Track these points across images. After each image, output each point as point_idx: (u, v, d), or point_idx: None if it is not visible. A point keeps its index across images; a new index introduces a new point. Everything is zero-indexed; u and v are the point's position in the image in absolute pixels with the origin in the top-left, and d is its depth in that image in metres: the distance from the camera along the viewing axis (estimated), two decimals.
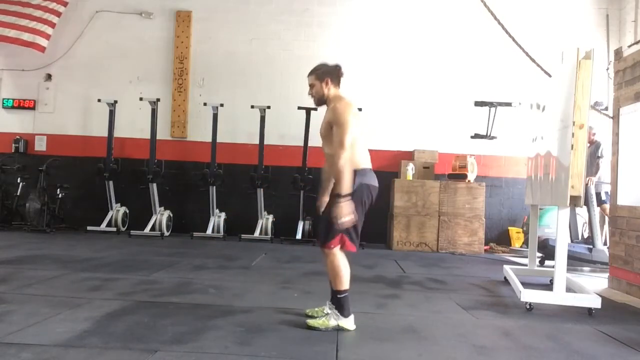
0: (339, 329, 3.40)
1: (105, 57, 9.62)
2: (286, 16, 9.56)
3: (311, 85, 3.59)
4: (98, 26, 9.66)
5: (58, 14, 9.43)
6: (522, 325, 3.84)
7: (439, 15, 9.45)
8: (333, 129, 3.41)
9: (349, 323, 3.43)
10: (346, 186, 3.27)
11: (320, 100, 3.61)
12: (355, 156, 3.40)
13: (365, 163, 3.51)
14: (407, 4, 9.51)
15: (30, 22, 9.16)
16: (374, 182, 3.53)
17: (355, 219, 3.35)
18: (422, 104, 9.41)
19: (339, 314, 3.41)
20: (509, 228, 9.35)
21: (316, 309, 3.64)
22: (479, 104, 8.65)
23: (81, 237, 8.15)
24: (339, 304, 3.41)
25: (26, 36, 9.12)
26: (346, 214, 3.25)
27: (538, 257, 6.53)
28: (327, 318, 3.43)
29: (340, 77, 3.59)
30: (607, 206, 7.08)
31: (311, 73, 3.58)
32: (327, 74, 3.53)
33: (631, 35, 8.86)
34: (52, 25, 9.36)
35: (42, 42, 9.26)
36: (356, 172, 3.39)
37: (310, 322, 3.44)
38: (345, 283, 3.43)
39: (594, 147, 7.46)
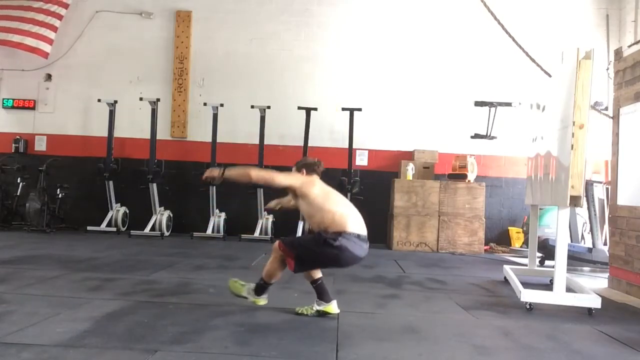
0: (322, 314, 3.67)
1: (105, 57, 9.62)
2: (286, 16, 9.56)
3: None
4: (98, 26, 9.66)
5: (60, 17, 9.45)
6: (522, 325, 3.84)
7: (439, 15, 9.45)
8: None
9: (331, 307, 3.69)
10: (234, 172, 3.91)
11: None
12: (343, 220, 3.61)
13: (354, 228, 3.63)
14: (407, 4, 9.51)
15: (33, 27, 9.19)
16: (355, 251, 3.62)
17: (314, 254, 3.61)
18: (422, 104, 9.41)
19: (321, 301, 3.70)
20: (509, 228, 9.35)
21: (305, 307, 3.77)
22: (479, 104, 8.65)
23: (81, 237, 8.15)
24: (318, 292, 3.72)
25: (29, 41, 9.15)
26: (212, 175, 3.86)
27: (538, 257, 6.52)
28: (312, 305, 3.73)
29: (317, 170, 3.93)
30: None
31: (294, 165, 4.08)
32: (305, 166, 3.95)
33: (631, 35, 8.86)
34: (54, 29, 9.39)
35: (45, 47, 9.31)
36: (343, 233, 3.55)
37: (298, 308, 3.77)
38: (315, 272, 3.75)
39: None
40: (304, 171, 3.90)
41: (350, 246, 3.56)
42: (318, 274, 3.75)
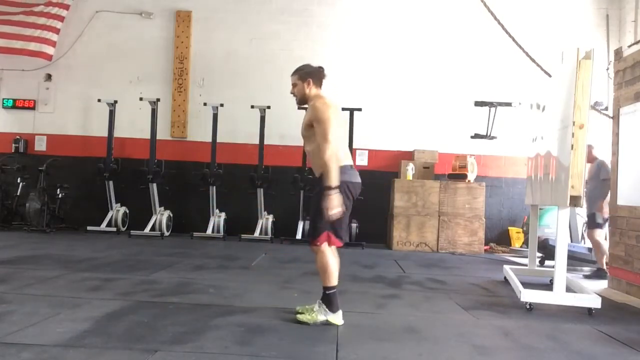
0: (327, 324, 3.48)
1: (105, 57, 9.63)
2: (286, 16, 9.56)
3: (294, 85, 3.72)
4: (98, 26, 9.66)
5: (61, 19, 9.47)
6: (522, 325, 3.84)
7: (439, 15, 9.45)
8: (314, 126, 3.50)
9: (336, 318, 3.51)
10: (334, 179, 3.36)
11: (302, 99, 3.73)
12: (340, 156, 3.48)
13: (346, 160, 3.57)
14: (407, 4, 9.51)
15: (35, 31, 9.23)
16: (355, 178, 3.59)
17: (343, 211, 3.42)
18: (422, 104, 9.41)
19: (327, 309, 3.49)
20: (509, 228, 9.35)
21: (307, 306, 3.67)
22: (479, 104, 8.65)
23: (81, 237, 8.15)
24: (328, 299, 3.50)
25: (32, 45, 9.21)
26: (336, 205, 3.33)
27: (538, 257, 6.52)
28: (316, 313, 3.51)
29: (322, 78, 3.69)
30: (599, 231, 6.43)
31: (294, 73, 3.70)
32: (309, 74, 3.64)
33: (631, 35, 8.86)
34: (57, 31, 9.42)
35: (49, 50, 9.36)
36: (340, 168, 3.46)
37: (300, 316, 3.54)
38: (333, 279, 3.50)
39: (595, 167, 6.57)
40: (310, 82, 3.60)
41: (348, 177, 3.50)
42: (335, 280, 3.50)
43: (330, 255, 3.52)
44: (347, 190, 3.50)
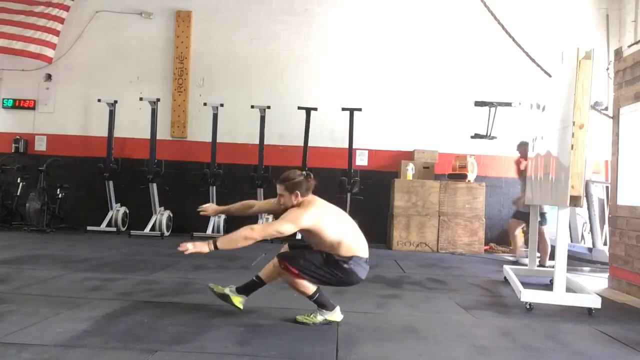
0: (326, 323, 3.51)
1: (105, 57, 9.62)
2: (286, 16, 9.56)
3: (280, 195, 3.62)
4: (98, 26, 9.66)
5: (61, 20, 9.48)
6: (522, 325, 3.84)
7: (439, 15, 9.45)
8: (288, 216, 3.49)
9: (335, 315, 3.55)
10: (224, 243, 3.53)
11: (287, 208, 3.64)
12: (352, 245, 3.52)
13: (364, 252, 3.60)
14: (407, 4, 9.51)
15: (36, 33, 9.22)
16: (363, 275, 3.63)
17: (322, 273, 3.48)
18: (422, 104, 9.41)
19: (323, 310, 3.55)
20: None
21: (306, 315, 3.60)
22: (479, 104, 8.66)
23: (81, 237, 8.14)
24: (319, 304, 3.55)
25: (33, 47, 9.20)
26: (195, 249, 3.51)
27: (538, 257, 6.52)
28: (315, 314, 3.55)
29: (310, 187, 3.58)
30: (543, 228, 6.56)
31: (281, 182, 3.58)
32: (296, 186, 3.52)
33: (631, 35, 8.86)
34: (57, 33, 9.42)
35: (49, 52, 9.37)
36: (353, 257, 3.51)
37: (299, 317, 3.58)
38: (309, 289, 3.54)
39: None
40: (298, 194, 3.51)
41: (357, 269, 3.53)
42: (312, 288, 3.54)
43: (277, 275, 3.62)
44: (350, 278, 3.54)
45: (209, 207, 4.14)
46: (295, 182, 3.52)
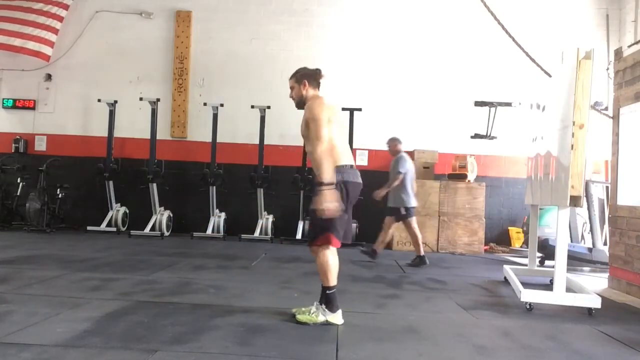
0: (327, 324, 3.48)
1: (105, 57, 9.63)
2: (286, 16, 9.56)
3: (291, 88, 3.74)
4: (98, 26, 9.66)
5: (60, 19, 9.48)
6: (522, 325, 3.84)
7: (439, 15, 9.45)
8: (309, 125, 3.52)
9: (336, 318, 3.53)
10: (327, 175, 3.37)
11: (300, 101, 3.76)
12: (333, 152, 3.48)
13: (346, 160, 3.57)
14: (408, 4, 9.51)
15: (34, 30, 9.22)
16: (355, 178, 3.59)
17: (341, 209, 3.43)
18: (422, 104, 9.41)
19: (326, 309, 3.51)
20: (509, 228, 9.35)
21: (303, 308, 3.63)
22: (479, 104, 8.66)
23: (81, 237, 8.15)
24: (328, 299, 3.51)
25: (31, 45, 9.20)
26: (329, 200, 3.33)
27: (538, 257, 6.52)
28: (316, 314, 3.51)
29: (318, 79, 3.70)
30: (413, 219, 6.73)
31: (291, 77, 3.74)
32: (305, 76, 3.68)
33: (631, 35, 8.87)
34: (55, 31, 9.42)
35: (47, 50, 9.36)
36: (338, 168, 3.47)
37: (300, 317, 3.53)
38: (333, 279, 3.52)
39: (394, 161, 6.83)
40: (306, 83, 3.62)
41: (347, 177, 3.50)
42: (335, 280, 3.52)
43: (331, 255, 3.52)
44: (344, 189, 3.49)
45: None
46: (304, 73, 3.67)
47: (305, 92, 3.68)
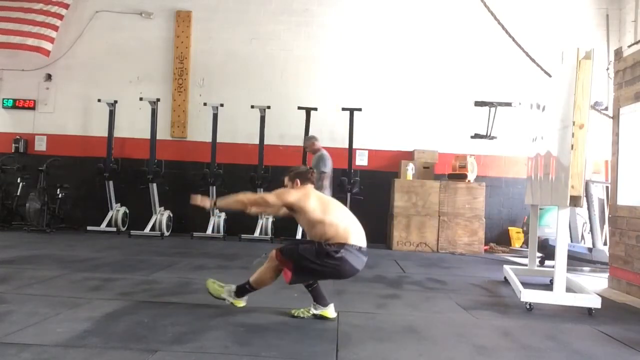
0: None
1: (105, 57, 9.63)
2: (286, 16, 9.56)
3: (285, 185, 3.89)
4: (98, 26, 9.66)
5: (60, 17, 9.48)
6: (522, 325, 3.84)
7: (439, 15, 9.45)
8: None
9: (238, 302, 3.75)
10: (224, 202, 4.01)
11: None
12: (343, 231, 3.55)
13: (355, 240, 3.59)
14: (408, 4, 9.51)
15: (34, 28, 9.24)
16: (358, 265, 3.61)
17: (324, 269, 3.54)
18: (422, 104, 9.41)
19: (236, 296, 3.76)
20: (509, 228, 9.35)
21: (302, 309, 3.72)
22: (479, 104, 8.67)
23: (81, 237, 8.15)
24: (240, 289, 3.75)
25: (31, 41, 9.21)
26: (204, 203, 3.94)
27: (538, 257, 6.52)
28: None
29: (309, 178, 3.83)
30: None
31: (287, 175, 3.91)
32: (297, 175, 3.81)
33: (631, 35, 8.87)
34: (55, 28, 9.42)
35: (47, 45, 9.37)
36: (345, 245, 3.52)
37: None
38: (257, 284, 3.73)
39: (315, 159, 6.86)
40: (298, 182, 3.76)
41: (351, 259, 3.52)
42: (256, 286, 3.74)
43: (273, 273, 3.67)
44: (343, 265, 3.52)
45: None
46: (297, 172, 3.84)
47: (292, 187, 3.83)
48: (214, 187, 8.84)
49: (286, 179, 3.87)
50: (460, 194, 8.41)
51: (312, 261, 3.49)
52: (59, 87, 9.69)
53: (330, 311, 3.65)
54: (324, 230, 3.54)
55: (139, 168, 8.88)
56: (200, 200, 3.88)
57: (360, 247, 3.59)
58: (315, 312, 3.64)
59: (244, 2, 9.59)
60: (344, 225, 3.59)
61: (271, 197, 3.70)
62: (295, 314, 3.67)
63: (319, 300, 3.65)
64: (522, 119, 8.48)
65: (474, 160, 8.80)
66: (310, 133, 8.82)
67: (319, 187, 6.63)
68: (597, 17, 9.42)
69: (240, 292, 3.76)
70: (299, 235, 8.62)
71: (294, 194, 3.68)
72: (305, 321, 3.61)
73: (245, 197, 3.84)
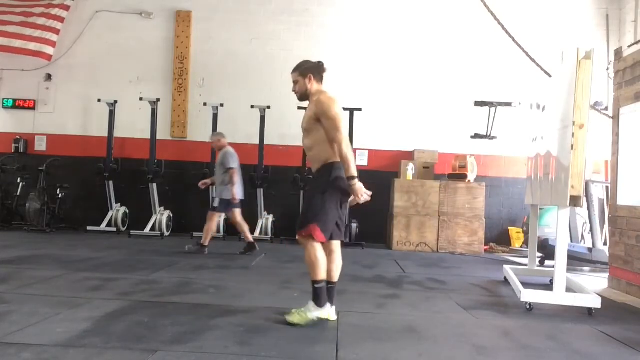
0: (318, 321, 3.47)
1: (105, 57, 9.63)
2: (286, 16, 9.56)
3: (295, 82, 3.71)
4: (98, 26, 9.66)
5: (61, 20, 9.50)
6: (522, 325, 3.84)
7: (439, 15, 9.45)
8: (322, 122, 3.51)
9: (324, 313, 3.51)
10: (353, 169, 3.42)
11: (303, 95, 3.73)
12: (332, 149, 3.49)
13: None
14: (408, 4, 9.51)
15: (35, 31, 9.25)
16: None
17: (335, 204, 3.49)
18: (422, 104, 9.41)
19: (316, 305, 3.49)
20: (509, 228, 9.35)
21: (296, 315, 3.51)
22: (479, 104, 8.67)
23: (81, 237, 8.15)
24: (315, 293, 3.49)
25: (32, 45, 9.23)
26: (361, 191, 3.42)
27: (538, 257, 6.53)
28: (305, 312, 3.48)
29: (322, 73, 3.69)
30: (237, 211, 6.90)
31: (295, 70, 3.71)
32: (310, 70, 3.63)
33: (631, 35, 8.87)
34: (57, 32, 9.44)
35: (49, 50, 9.39)
36: (332, 165, 3.49)
37: (290, 318, 3.48)
38: (320, 273, 3.48)
39: (221, 155, 6.97)
40: (311, 77, 3.60)
41: (342, 173, 3.48)
42: (323, 274, 3.47)
43: (316, 250, 3.47)
44: (343, 185, 3.49)
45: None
46: (308, 67, 3.63)
47: (310, 86, 3.65)
48: (214, 187, 8.82)
49: (295, 75, 3.66)
50: (460, 194, 8.41)
51: (324, 205, 3.43)
52: (59, 87, 9.69)
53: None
54: (326, 151, 3.48)
55: (139, 168, 8.88)
56: (364, 194, 3.43)
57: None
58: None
59: (244, 2, 9.59)
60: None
61: (342, 138, 3.41)
62: (291, 322, 3.44)
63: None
64: (522, 119, 8.48)
65: (474, 160, 8.80)
66: None
67: (228, 183, 6.78)
68: (597, 17, 9.42)
69: (315, 298, 3.47)
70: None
71: (335, 107, 3.48)
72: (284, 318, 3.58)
73: (342, 148, 3.40)
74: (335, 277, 3.64)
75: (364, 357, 2.94)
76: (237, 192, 6.80)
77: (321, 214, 3.45)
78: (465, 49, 9.37)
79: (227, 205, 6.87)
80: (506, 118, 9.11)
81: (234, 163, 6.87)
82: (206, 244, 6.82)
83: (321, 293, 3.50)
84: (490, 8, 6.58)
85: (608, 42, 9.24)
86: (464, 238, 8.35)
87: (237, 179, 6.83)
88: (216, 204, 6.99)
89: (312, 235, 3.43)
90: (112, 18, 9.65)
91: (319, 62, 3.71)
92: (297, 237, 3.56)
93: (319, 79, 3.67)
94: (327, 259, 3.53)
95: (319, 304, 3.50)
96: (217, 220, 7.31)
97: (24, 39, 9.20)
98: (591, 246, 7.05)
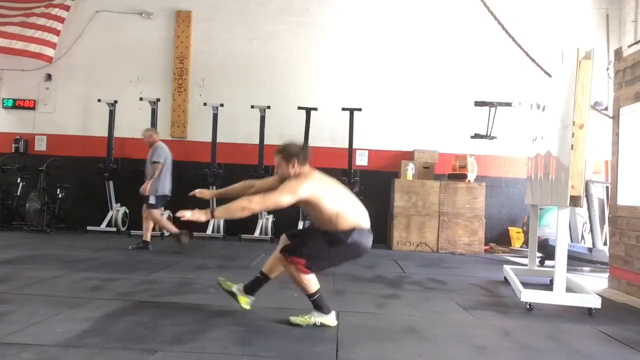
0: (320, 326, 3.48)
1: (105, 57, 9.62)
2: (286, 16, 9.56)
3: (278, 164, 3.59)
4: (98, 26, 9.66)
5: (61, 20, 9.49)
6: (522, 325, 3.84)
7: (439, 15, 9.45)
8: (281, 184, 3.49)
9: (329, 319, 3.53)
10: (222, 214, 3.60)
11: (284, 178, 3.58)
12: (352, 217, 3.48)
13: (365, 223, 3.57)
14: (408, 4, 9.51)
15: (36, 32, 9.24)
16: (368, 244, 3.60)
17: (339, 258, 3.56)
18: (422, 104, 9.41)
19: (319, 313, 3.52)
20: (509, 228, 9.34)
21: (300, 317, 3.55)
22: (479, 104, 8.67)
23: (81, 237, 8.15)
24: (315, 305, 3.52)
25: (33, 47, 9.22)
26: (199, 217, 3.40)
27: (538, 257, 6.52)
28: (309, 315, 3.52)
29: (307, 157, 3.57)
30: (156, 211, 6.97)
31: (279, 152, 3.58)
32: (294, 156, 3.50)
33: (631, 35, 8.86)
34: (57, 32, 9.44)
35: (49, 52, 9.38)
36: (355, 230, 3.47)
37: (293, 318, 3.53)
38: (311, 287, 3.49)
39: (151, 150, 7.02)
40: (295, 163, 3.47)
41: (361, 240, 3.50)
42: (315, 286, 3.48)
43: (301, 274, 3.47)
44: (358, 252, 3.55)
45: (205, 191, 4.02)
46: (293, 152, 3.51)
47: (292, 171, 3.51)
48: (214, 187, 8.82)
49: (278, 158, 3.53)
50: (460, 194, 8.41)
51: (323, 250, 3.44)
52: (59, 87, 9.69)
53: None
54: (338, 222, 3.43)
55: (139, 168, 8.84)
56: (193, 215, 3.38)
57: (368, 229, 3.57)
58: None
59: (244, 2, 9.59)
60: (356, 212, 3.53)
61: (285, 196, 3.33)
62: (294, 322, 3.49)
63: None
64: (522, 119, 8.47)
65: (474, 160, 8.80)
66: (311, 133, 8.83)
67: (151, 175, 6.89)
68: (597, 17, 9.42)
69: (317, 308, 3.52)
70: (299, 226, 8.61)
71: (307, 186, 3.37)
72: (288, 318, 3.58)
73: (250, 203, 3.37)
74: (274, 275, 3.76)
75: (364, 357, 2.94)
76: (160, 187, 6.86)
77: (316, 258, 3.45)
78: (465, 49, 9.37)
79: (163, 199, 7.00)
80: (506, 118, 9.10)
81: (160, 158, 6.91)
82: (149, 239, 6.96)
83: (320, 301, 3.51)
84: (490, 8, 6.58)
85: (608, 42, 9.24)
86: (464, 238, 8.35)
87: (160, 174, 6.88)
88: (152, 200, 6.96)
89: (296, 266, 3.43)
90: (112, 18, 9.65)
91: (304, 147, 3.61)
92: (283, 259, 3.51)
93: (303, 162, 3.54)
94: (276, 256, 3.64)
95: (324, 311, 3.52)
96: (159, 217, 7.20)
97: (25, 40, 9.20)
98: (591, 246, 7.05)
